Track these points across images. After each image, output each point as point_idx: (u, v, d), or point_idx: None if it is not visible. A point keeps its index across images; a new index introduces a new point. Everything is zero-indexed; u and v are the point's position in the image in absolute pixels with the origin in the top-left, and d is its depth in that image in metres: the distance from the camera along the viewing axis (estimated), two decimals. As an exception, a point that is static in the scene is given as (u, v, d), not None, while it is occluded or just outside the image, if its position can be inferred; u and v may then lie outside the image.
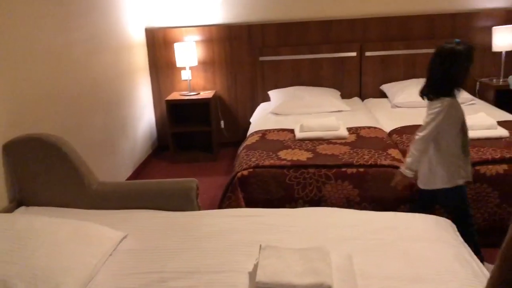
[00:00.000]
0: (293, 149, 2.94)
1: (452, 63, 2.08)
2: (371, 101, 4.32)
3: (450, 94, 2.11)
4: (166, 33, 4.54)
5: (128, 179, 3.91)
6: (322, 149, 2.92)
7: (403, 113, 3.78)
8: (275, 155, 2.82)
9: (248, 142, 3.19)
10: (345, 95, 4.44)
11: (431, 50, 4.30)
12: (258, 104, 4.50)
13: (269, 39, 4.51)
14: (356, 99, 4.40)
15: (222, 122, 4.69)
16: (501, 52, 4.19)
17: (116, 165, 3.72)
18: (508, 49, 4.14)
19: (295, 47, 4.47)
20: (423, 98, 2.22)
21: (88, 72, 3.25)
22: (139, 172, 4.15)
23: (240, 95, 4.68)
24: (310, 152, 2.86)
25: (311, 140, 3.12)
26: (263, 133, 3.34)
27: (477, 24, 4.34)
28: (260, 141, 3.17)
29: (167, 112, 4.33)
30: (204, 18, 4.51)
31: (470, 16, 4.34)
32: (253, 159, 2.78)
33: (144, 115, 4.46)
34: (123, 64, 3.96)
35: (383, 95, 4.37)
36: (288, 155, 2.80)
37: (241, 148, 3.17)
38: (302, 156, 2.79)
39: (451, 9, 4.36)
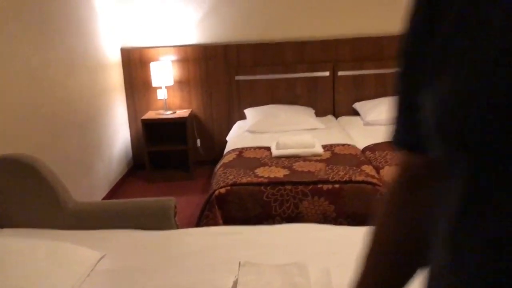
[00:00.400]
0: (270, 166, 2.98)
1: None
2: (345, 119, 4.42)
3: None
4: (142, 53, 4.56)
5: (104, 199, 3.87)
6: (298, 166, 2.97)
7: (375, 131, 3.88)
8: (252, 172, 2.86)
9: (225, 160, 3.21)
10: (319, 113, 4.53)
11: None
12: (234, 123, 4.54)
13: (245, 59, 4.58)
14: (330, 117, 4.50)
15: (198, 141, 4.71)
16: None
17: (92, 185, 3.68)
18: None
19: (270, 66, 4.56)
20: None
21: (64, 91, 3.24)
22: (115, 192, 4.11)
23: (216, 114, 4.72)
24: (286, 169, 2.90)
25: (287, 157, 3.17)
26: (240, 151, 3.38)
27: (444, 45, 4.52)
28: (237, 159, 3.20)
29: (143, 131, 4.32)
30: (180, 38, 4.56)
31: (437, 37, 4.52)
32: (230, 177, 2.80)
33: (119, 134, 4.44)
34: (98, 83, 3.95)
35: (356, 113, 4.48)
36: (265, 172, 2.84)
37: (218, 166, 3.19)
38: (279, 173, 2.83)
39: (419, 30, 4.53)
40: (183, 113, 4.46)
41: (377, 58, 4.55)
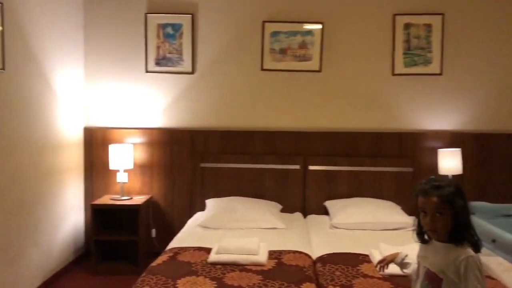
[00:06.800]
0: (197, 276, 2.59)
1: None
2: (313, 218, 4.04)
3: None
4: (106, 133, 4.37)
5: (33, 292, 3.48)
6: (230, 278, 2.58)
7: (339, 236, 3.49)
8: (172, 284, 2.46)
9: (154, 263, 2.83)
10: (287, 209, 4.18)
11: (377, 168, 4.19)
12: (195, 213, 4.20)
13: (212, 146, 4.35)
14: (297, 215, 4.13)
15: (153, 231, 4.34)
16: (447, 176, 4.03)
17: (19, 276, 3.30)
18: (454, 172, 3.98)
19: (237, 155, 4.30)
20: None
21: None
22: (50, 284, 3.70)
23: (178, 202, 4.39)
24: (214, 282, 2.51)
25: (224, 264, 2.78)
26: (176, 252, 3.00)
27: (423, 145, 4.24)
28: (168, 262, 2.82)
29: (92, 217, 4.01)
30: (147, 121, 4.38)
31: (416, 137, 4.25)
32: (145, 288, 2.42)
33: (68, 218, 4.11)
34: (46, 163, 3.70)
35: (327, 211, 4.11)
36: (186, 286, 2.45)
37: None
38: (203, 287, 2.44)
39: (398, 128, 4.28)
40: (139, 199, 4.15)
41: (351, 154, 4.27)
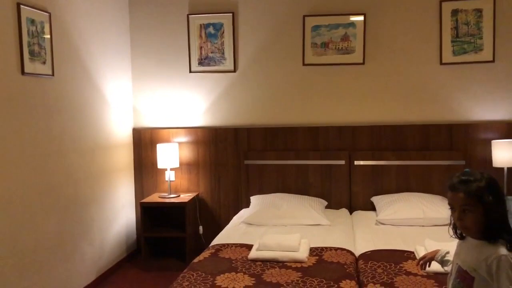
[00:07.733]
0: (237, 272, 2.61)
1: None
2: (359, 214, 3.96)
3: None
4: (153, 133, 4.50)
5: (87, 287, 3.65)
6: (269, 274, 2.58)
7: (384, 232, 3.40)
8: (211, 281, 2.50)
9: (196, 260, 2.89)
10: (333, 205, 4.13)
11: (426, 162, 4.04)
12: (241, 210, 4.24)
13: (255, 143, 4.36)
14: (343, 211, 4.06)
15: (201, 228, 4.43)
16: (502, 168, 3.81)
17: (73, 272, 3.48)
18: (510, 165, 3.76)
19: (281, 152, 4.29)
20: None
21: (41, 174, 3.13)
22: (103, 280, 3.88)
23: (224, 199, 4.45)
24: (253, 279, 2.52)
25: (264, 261, 2.79)
26: (218, 249, 3.04)
27: (475, 137, 4.03)
28: (209, 259, 2.87)
29: (141, 215, 4.15)
30: (192, 120, 4.47)
31: (468, 128, 4.05)
32: (185, 284, 2.47)
33: (120, 216, 4.28)
34: (98, 164, 3.87)
35: (374, 207, 4.01)
36: (225, 282, 2.48)
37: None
38: (240, 284, 2.45)
39: (448, 120, 4.10)
40: (186, 197, 4.25)
41: (399, 148, 4.13)
